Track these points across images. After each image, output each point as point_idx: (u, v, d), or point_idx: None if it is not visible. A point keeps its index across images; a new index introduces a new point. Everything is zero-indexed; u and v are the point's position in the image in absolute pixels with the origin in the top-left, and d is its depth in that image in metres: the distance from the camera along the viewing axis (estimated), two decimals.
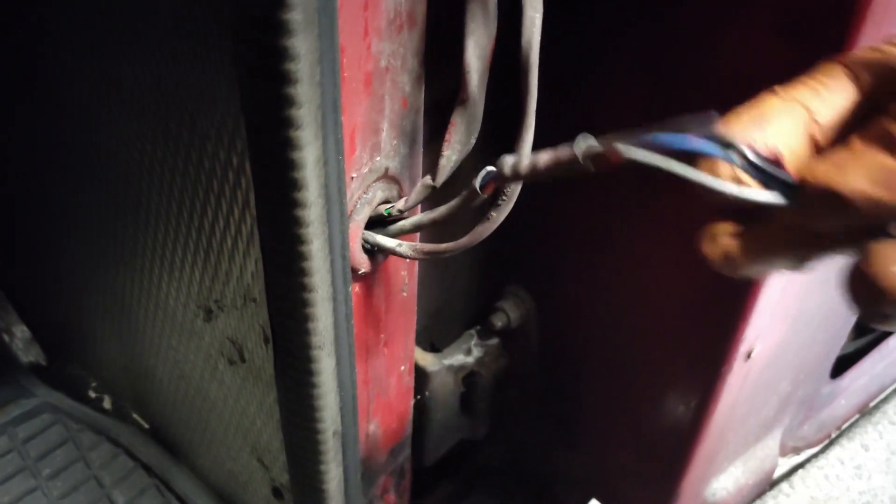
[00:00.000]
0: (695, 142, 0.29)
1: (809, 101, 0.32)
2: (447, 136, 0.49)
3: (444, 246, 0.50)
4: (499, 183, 0.44)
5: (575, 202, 0.75)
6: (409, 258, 0.52)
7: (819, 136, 0.32)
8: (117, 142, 0.58)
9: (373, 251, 0.53)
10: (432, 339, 0.91)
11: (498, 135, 0.55)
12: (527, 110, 0.46)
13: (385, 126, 0.50)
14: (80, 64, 0.57)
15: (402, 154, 0.52)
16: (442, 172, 0.50)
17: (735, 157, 0.29)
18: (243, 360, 0.57)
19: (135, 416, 0.92)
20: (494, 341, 0.89)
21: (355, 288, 0.53)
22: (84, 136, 0.63)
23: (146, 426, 0.91)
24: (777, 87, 0.33)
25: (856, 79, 0.32)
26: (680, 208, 0.64)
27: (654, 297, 0.71)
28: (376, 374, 0.64)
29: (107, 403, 0.96)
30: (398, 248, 0.51)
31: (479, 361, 0.89)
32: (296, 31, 0.34)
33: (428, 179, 0.50)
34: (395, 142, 0.51)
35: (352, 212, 0.49)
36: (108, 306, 0.77)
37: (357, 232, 0.50)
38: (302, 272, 0.42)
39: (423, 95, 0.51)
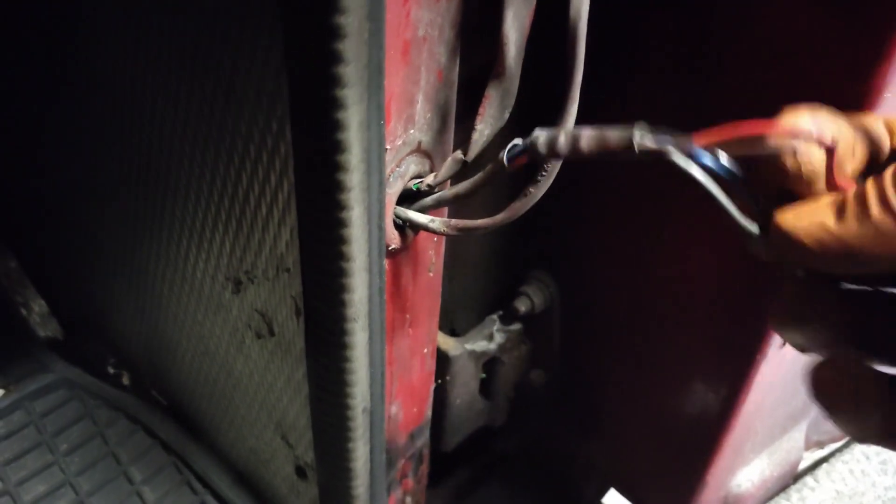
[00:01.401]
0: (725, 168, 0.32)
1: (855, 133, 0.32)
2: (480, 110, 0.48)
3: (478, 222, 0.49)
4: (531, 158, 0.42)
5: (603, 185, 0.74)
6: (442, 234, 0.51)
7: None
8: (145, 108, 0.56)
9: (403, 227, 0.51)
10: (453, 324, 0.90)
11: (531, 112, 0.53)
12: (572, 83, 0.44)
13: (420, 98, 0.48)
14: (107, 24, 0.56)
15: (435, 129, 0.51)
16: (474, 147, 0.48)
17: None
18: (272, 334, 0.56)
19: (154, 392, 0.91)
20: (517, 327, 0.88)
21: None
22: (108, 103, 0.62)
23: (165, 403, 0.90)
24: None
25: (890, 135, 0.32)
26: None
27: (685, 283, 0.70)
28: (400, 355, 0.63)
29: (125, 379, 0.96)
30: (430, 224, 0.50)
31: (500, 348, 0.88)
32: None
33: (459, 154, 0.49)
34: (430, 115, 0.50)
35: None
36: (130, 280, 0.76)
37: (390, 206, 0.49)
38: (340, 240, 0.41)
39: (457, 69, 0.50)
